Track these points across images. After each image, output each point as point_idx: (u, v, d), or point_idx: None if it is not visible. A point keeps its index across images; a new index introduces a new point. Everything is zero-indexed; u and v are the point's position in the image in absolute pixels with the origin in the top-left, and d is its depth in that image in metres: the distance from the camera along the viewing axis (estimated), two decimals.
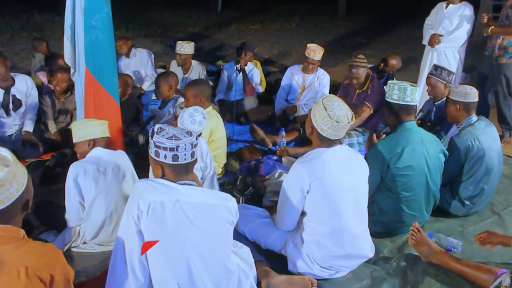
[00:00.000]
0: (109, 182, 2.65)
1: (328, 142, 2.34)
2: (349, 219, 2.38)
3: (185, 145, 1.88)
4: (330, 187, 2.31)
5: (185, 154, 1.89)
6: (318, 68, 4.86)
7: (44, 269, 1.46)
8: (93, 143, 2.69)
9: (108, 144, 3.03)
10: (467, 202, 3.08)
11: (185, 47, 5.04)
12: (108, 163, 2.67)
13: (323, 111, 2.28)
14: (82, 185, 2.58)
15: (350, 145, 3.90)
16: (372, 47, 9.48)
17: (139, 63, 5.62)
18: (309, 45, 4.75)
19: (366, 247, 2.51)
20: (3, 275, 1.38)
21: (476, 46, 5.90)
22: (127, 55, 5.57)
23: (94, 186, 2.60)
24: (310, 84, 4.81)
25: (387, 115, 2.90)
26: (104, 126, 2.75)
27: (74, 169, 2.59)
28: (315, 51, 4.66)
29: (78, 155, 2.79)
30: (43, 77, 5.45)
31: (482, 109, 4.56)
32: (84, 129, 2.67)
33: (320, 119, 2.29)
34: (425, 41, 4.93)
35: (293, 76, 4.90)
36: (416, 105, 2.88)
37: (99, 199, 2.63)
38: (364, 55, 4.25)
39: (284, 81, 4.97)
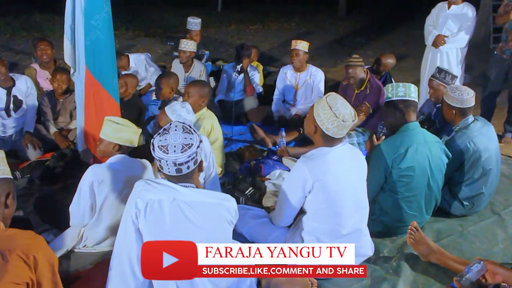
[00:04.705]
0: (122, 195, 2.54)
1: (331, 141, 2.34)
2: (348, 218, 2.38)
3: (167, 161, 1.83)
4: (332, 188, 2.31)
5: (168, 169, 1.85)
6: (309, 65, 4.84)
7: (27, 251, 1.46)
8: (118, 148, 2.58)
9: None
10: (466, 203, 3.08)
11: (190, 44, 5.07)
12: (127, 176, 2.54)
13: (328, 110, 2.26)
14: (96, 193, 2.50)
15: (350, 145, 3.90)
16: (372, 47, 9.46)
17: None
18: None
19: (366, 246, 2.51)
20: None
21: (476, 46, 5.91)
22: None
23: (107, 198, 2.51)
24: (304, 82, 4.79)
25: (391, 115, 2.81)
26: (136, 135, 2.59)
27: (91, 175, 2.48)
28: (296, 41, 4.73)
29: (98, 150, 2.65)
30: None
31: (487, 110, 4.55)
32: (115, 131, 2.53)
33: (325, 119, 2.27)
34: (428, 41, 4.88)
35: (286, 76, 4.88)
36: (417, 103, 2.87)
37: (108, 211, 2.55)
38: (364, 55, 4.26)
39: (279, 82, 4.94)
